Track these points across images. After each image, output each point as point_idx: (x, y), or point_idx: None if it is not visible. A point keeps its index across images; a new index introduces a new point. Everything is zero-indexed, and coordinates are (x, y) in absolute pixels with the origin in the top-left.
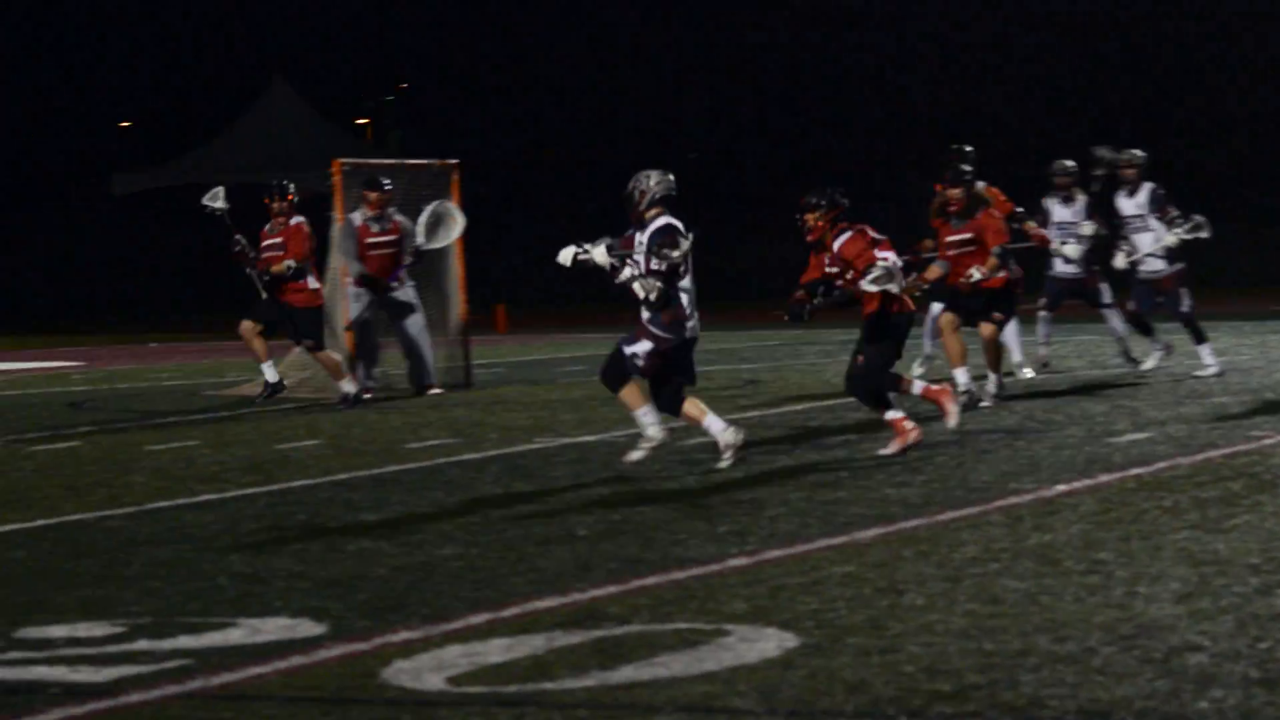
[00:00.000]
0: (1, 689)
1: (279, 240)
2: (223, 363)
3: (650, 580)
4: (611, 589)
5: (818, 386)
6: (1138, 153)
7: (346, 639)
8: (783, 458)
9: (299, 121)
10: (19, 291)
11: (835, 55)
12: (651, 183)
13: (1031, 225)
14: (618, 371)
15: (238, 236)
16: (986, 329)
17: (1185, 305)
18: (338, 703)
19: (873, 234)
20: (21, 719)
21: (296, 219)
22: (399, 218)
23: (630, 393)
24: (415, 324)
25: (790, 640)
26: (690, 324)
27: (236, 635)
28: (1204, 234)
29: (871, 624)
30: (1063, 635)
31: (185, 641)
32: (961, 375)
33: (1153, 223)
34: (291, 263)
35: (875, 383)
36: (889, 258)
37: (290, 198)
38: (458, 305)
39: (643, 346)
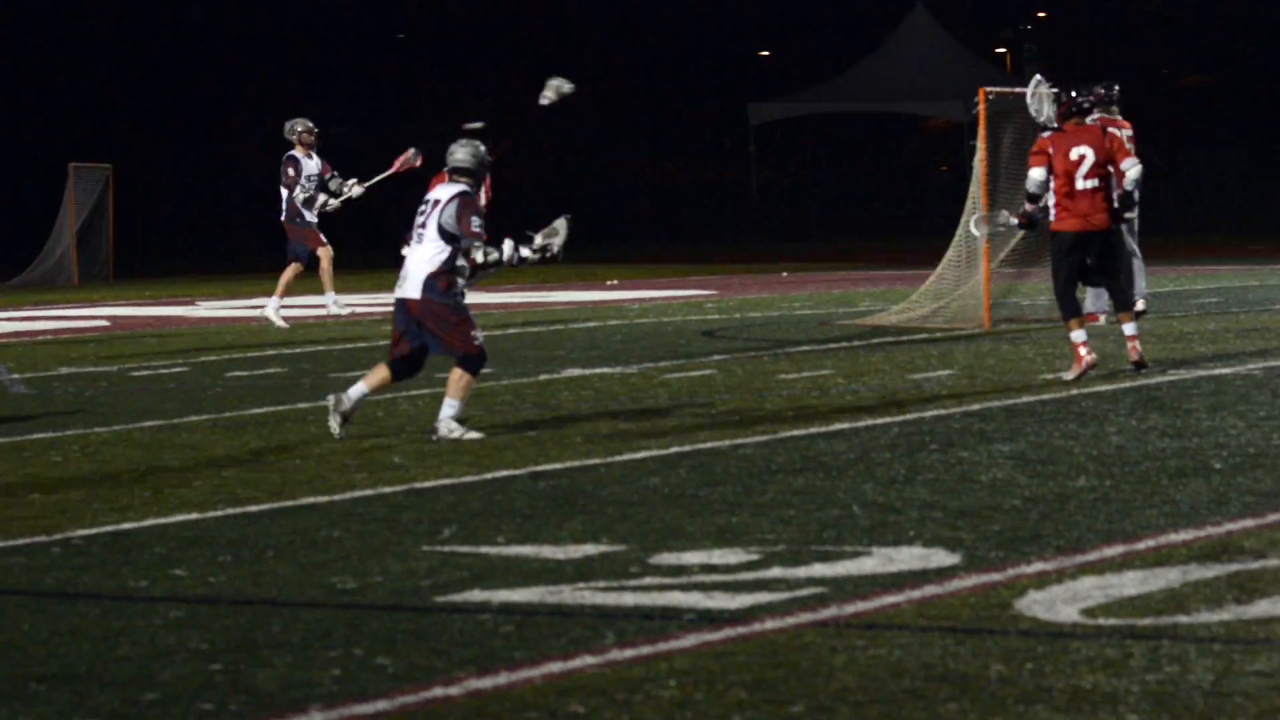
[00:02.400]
0: (637, 614)
1: None
2: (854, 292)
3: None
4: (1247, 523)
5: None
6: None
7: (980, 569)
8: None
9: (938, 50)
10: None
11: None
12: None
13: None
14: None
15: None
16: None
17: None
18: (971, 633)
19: None
20: (657, 644)
21: None
22: None
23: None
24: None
25: None
26: None
27: (870, 564)
28: None
29: None
30: None
31: (819, 570)
32: None
33: None
34: None
35: None
36: None
37: None
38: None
39: None
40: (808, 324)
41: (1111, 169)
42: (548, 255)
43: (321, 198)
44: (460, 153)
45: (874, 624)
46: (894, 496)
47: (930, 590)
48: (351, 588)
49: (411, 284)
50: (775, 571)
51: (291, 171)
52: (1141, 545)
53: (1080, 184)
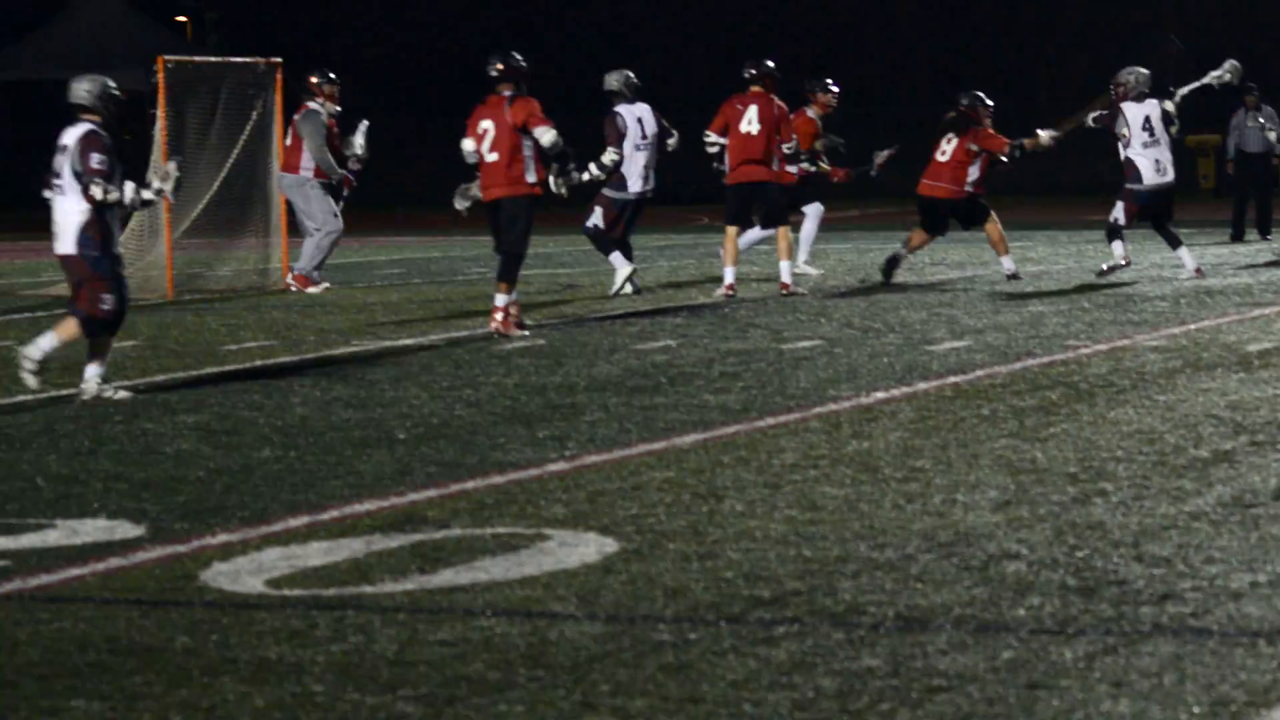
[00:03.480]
0: None
1: None
2: (37, 263)
3: (469, 484)
4: (431, 493)
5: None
6: None
7: (165, 541)
8: (601, 363)
9: (119, 18)
10: None
11: None
12: None
13: None
14: None
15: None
16: None
17: None
18: (156, 605)
19: None
20: None
21: None
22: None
23: None
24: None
25: (610, 545)
26: None
27: (54, 536)
28: None
29: (691, 529)
30: (882, 542)
31: (2, 543)
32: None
33: None
34: None
35: None
36: None
37: None
38: (277, 205)
39: None
40: None
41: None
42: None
43: None
44: (80, 89)
45: (58, 597)
46: (78, 468)
47: (115, 562)
48: None
49: (65, 239)
50: None
51: None
52: (326, 516)
53: None
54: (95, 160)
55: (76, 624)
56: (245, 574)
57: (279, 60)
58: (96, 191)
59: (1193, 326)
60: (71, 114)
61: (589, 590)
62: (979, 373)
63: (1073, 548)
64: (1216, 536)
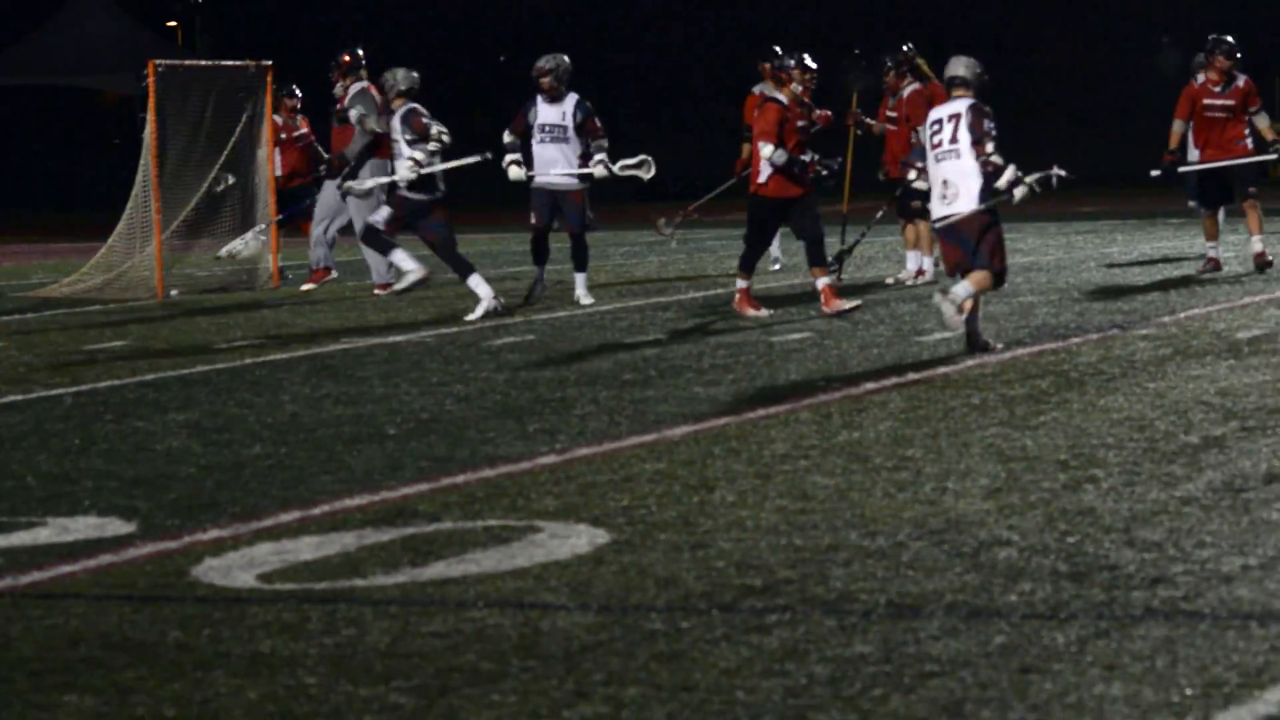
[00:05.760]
0: None
1: None
2: (26, 265)
3: (460, 478)
4: (422, 487)
5: (624, 286)
6: None
7: (156, 537)
8: (591, 357)
9: (109, 23)
10: None
11: None
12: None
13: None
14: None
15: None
16: None
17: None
18: (148, 600)
19: None
20: None
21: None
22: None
23: None
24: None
25: (601, 536)
26: None
27: (45, 534)
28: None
29: (682, 520)
30: (872, 530)
31: None
32: None
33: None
34: None
35: None
36: None
37: None
38: (267, 205)
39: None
40: None
41: None
42: None
43: None
44: None
45: (50, 594)
46: (69, 466)
47: (106, 559)
48: None
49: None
50: None
51: None
52: (317, 511)
53: None
54: None
55: (69, 620)
56: (237, 569)
57: (269, 63)
58: None
59: (1182, 315)
60: None
61: (581, 581)
62: (968, 363)
63: (1064, 533)
64: (1207, 521)
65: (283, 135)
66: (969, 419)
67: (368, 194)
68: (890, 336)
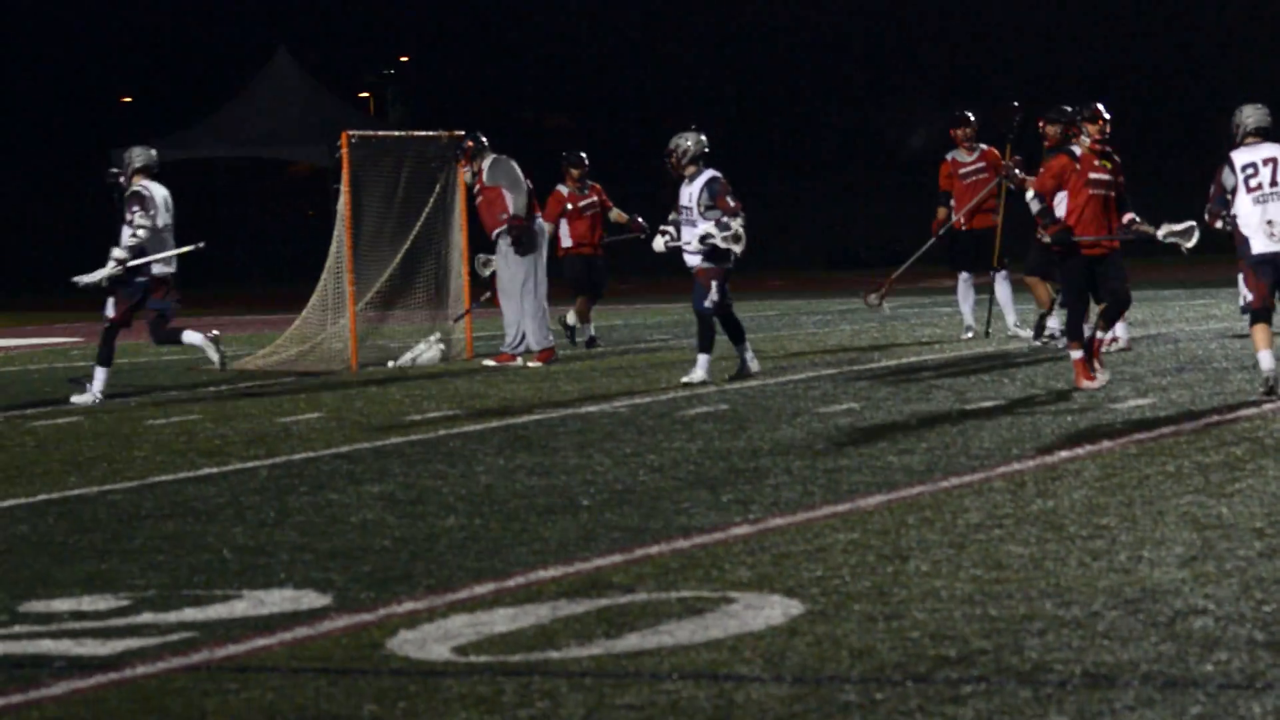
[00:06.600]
0: (6, 663)
1: None
2: (224, 337)
3: (654, 549)
4: (616, 558)
5: (817, 355)
6: None
7: (351, 610)
8: (785, 426)
9: (302, 94)
10: (19, 268)
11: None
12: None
13: None
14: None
15: None
16: None
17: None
18: (343, 673)
19: None
20: (28, 692)
21: None
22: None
23: None
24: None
25: (795, 607)
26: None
27: (241, 607)
28: None
29: (876, 590)
30: (1067, 599)
31: (190, 614)
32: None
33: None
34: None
35: None
36: None
37: None
38: (460, 275)
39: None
40: (175, 369)
41: None
42: None
43: None
44: None
45: (246, 667)
46: (264, 539)
47: (302, 632)
48: None
49: None
50: (146, 617)
51: None
52: (511, 582)
53: None
54: None
55: (264, 694)
56: (431, 641)
57: (461, 133)
58: None
59: None
60: None
61: (775, 652)
62: (1163, 430)
63: (1260, 602)
64: None
65: (568, 205)
66: (1164, 486)
67: (97, 284)
68: (1084, 403)
